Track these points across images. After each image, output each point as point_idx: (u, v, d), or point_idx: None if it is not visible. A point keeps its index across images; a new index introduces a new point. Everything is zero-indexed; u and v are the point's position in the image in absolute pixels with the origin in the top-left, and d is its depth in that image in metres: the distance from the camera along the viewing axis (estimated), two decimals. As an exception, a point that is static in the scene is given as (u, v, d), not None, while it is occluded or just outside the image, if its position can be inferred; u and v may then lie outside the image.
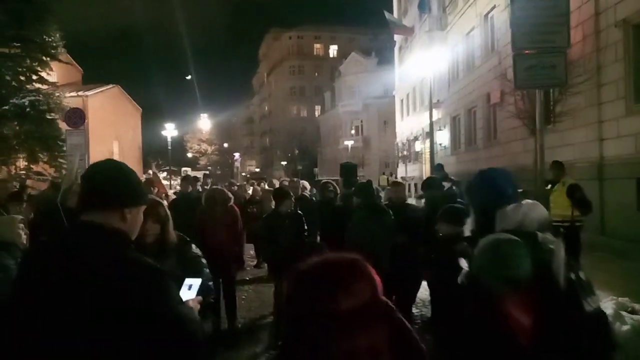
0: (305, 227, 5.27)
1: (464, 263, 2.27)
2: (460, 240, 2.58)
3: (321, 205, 6.53)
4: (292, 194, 5.46)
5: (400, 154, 31.91)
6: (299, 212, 5.33)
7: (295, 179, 6.97)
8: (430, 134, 15.77)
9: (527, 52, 4.09)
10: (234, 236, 5.35)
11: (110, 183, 1.50)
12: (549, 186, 6.55)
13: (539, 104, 4.36)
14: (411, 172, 29.80)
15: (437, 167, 10.67)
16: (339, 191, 6.93)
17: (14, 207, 4.59)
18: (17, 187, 16.87)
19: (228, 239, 5.22)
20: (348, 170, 6.11)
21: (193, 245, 2.81)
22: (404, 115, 34.30)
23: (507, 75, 15.14)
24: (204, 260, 2.81)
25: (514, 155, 15.15)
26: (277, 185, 8.12)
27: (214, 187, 6.50)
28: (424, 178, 9.25)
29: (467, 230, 2.43)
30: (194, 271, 2.62)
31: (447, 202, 4.56)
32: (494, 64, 16.52)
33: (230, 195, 5.43)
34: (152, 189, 7.54)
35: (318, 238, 6.04)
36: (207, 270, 2.80)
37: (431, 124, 15.40)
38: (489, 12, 17.63)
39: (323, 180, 6.93)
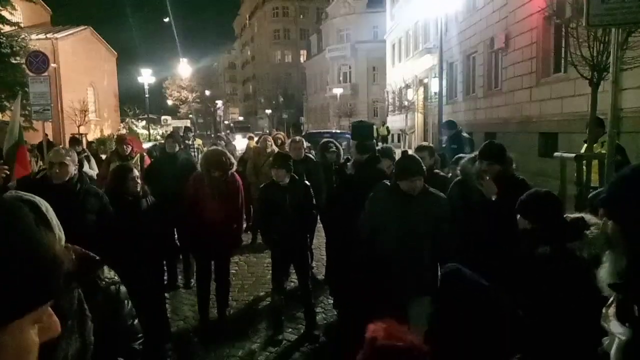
0: (314, 202, 4.39)
1: (615, 326, 1.40)
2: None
3: (322, 170, 5.56)
4: (291, 157, 4.50)
5: (394, 103, 30.50)
6: (306, 182, 4.39)
7: (298, 138, 5.90)
8: (439, 76, 14.46)
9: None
10: (234, 212, 4.42)
11: None
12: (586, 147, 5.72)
13: (614, 48, 3.38)
14: (401, 122, 28.75)
15: (448, 125, 8.17)
16: (341, 152, 6.00)
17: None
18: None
19: (228, 215, 4.30)
20: (362, 132, 4.95)
21: (106, 268, 1.65)
22: (395, 61, 32.77)
23: (515, 18, 14.02)
24: (123, 289, 1.67)
25: (518, 106, 14.25)
26: (269, 143, 7.06)
27: (214, 147, 5.44)
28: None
29: (606, 277, 1.47)
30: (112, 316, 1.59)
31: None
32: (500, 5, 15.24)
33: (232, 159, 4.41)
34: (124, 147, 6.44)
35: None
36: (134, 314, 1.74)
37: (440, 64, 14.12)
38: (494, -53, 16.10)
39: (323, 139, 5.93)
